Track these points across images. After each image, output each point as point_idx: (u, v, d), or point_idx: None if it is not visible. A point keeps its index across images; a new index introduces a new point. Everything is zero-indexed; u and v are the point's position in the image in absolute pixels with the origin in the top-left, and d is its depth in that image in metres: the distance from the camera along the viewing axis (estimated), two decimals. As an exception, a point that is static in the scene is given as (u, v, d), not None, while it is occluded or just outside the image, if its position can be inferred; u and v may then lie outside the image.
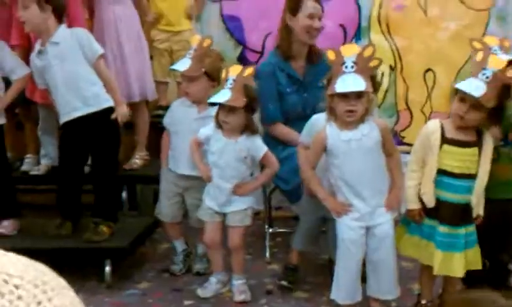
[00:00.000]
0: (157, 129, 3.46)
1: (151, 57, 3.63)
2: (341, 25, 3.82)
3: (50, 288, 0.49)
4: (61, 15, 2.88)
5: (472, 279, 2.62)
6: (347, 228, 2.43)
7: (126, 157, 3.53)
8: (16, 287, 0.46)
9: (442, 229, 2.36)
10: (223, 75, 2.67)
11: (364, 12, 3.80)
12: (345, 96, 2.30)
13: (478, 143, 2.38)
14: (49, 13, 2.81)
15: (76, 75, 2.87)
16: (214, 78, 2.87)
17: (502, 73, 2.28)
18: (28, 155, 3.51)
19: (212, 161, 2.75)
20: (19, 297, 0.46)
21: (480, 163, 2.37)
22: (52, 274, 0.51)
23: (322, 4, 3.09)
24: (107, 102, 2.91)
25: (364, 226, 2.44)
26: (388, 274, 2.48)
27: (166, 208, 3.02)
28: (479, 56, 2.36)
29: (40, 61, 2.90)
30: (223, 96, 2.59)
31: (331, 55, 2.34)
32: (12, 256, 0.51)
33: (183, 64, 2.85)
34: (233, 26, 3.84)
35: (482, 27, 3.78)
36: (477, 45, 2.66)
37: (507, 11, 3.79)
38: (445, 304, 2.37)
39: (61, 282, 0.51)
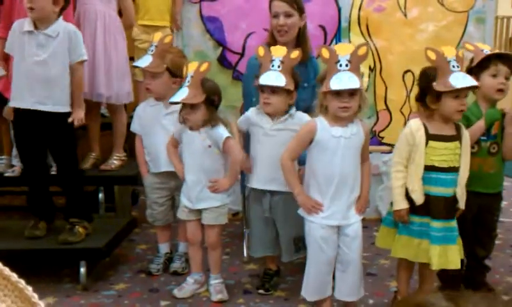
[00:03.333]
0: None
1: (132, 58, 3.60)
2: (321, 26, 3.83)
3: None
4: (64, 9, 2.85)
5: (448, 275, 2.63)
6: (318, 226, 2.41)
7: (103, 157, 3.49)
8: None
9: (436, 224, 2.36)
10: (184, 72, 2.65)
11: (344, 13, 3.82)
12: (338, 93, 2.30)
13: (458, 137, 2.42)
14: (59, 6, 2.78)
15: (56, 71, 2.80)
16: (176, 75, 2.86)
17: None
18: (2, 157, 3.45)
19: (183, 157, 2.75)
20: None
21: (462, 155, 2.41)
22: (6, 273, 0.49)
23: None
24: (68, 106, 2.85)
25: (336, 225, 2.42)
26: (356, 274, 2.46)
27: (159, 214, 3.03)
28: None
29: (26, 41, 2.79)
30: (181, 94, 2.59)
31: (325, 53, 2.34)
32: None
33: (145, 61, 2.87)
34: (213, 27, 3.83)
35: (461, 29, 3.81)
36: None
37: (485, 13, 3.82)
38: None
39: (14, 280, 0.49)
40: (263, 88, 2.59)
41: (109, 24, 3.33)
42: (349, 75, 2.27)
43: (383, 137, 3.80)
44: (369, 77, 3.79)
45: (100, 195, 3.49)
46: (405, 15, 3.82)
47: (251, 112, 2.71)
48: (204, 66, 2.61)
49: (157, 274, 3.03)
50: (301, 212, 2.47)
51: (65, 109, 2.84)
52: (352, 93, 2.30)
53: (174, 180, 2.92)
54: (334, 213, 2.40)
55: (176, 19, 3.81)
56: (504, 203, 3.23)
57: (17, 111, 2.88)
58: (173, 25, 3.82)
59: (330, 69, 2.32)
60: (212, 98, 2.64)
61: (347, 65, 2.28)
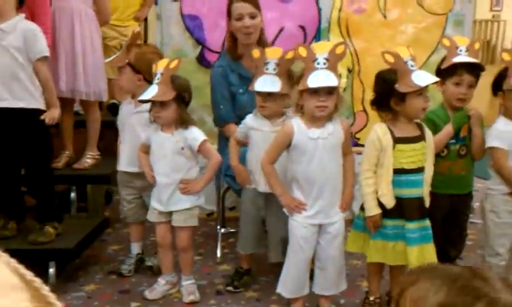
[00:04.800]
0: (109, 128, 3.39)
1: None
2: (301, 27, 3.81)
3: None
4: (21, 4, 2.79)
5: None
6: (301, 226, 2.40)
7: (77, 156, 3.44)
8: None
9: (412, 225, 2.36)
10: (153, 70, 2.60)
11: (324, 14, 3.80)
12: (315, 92, 2.27)
13: (423, 136, 2.42)
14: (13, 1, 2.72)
15: (14, 68, 2.74)
16: (139, 71, 2.80)
17: None
18: None
19: (152, 160, 2.69)
20: None
21: (426, 155, 2.41)
22: (6, 273, 0.48)
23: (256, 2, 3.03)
24: (38, 103, 2.79)
25: (317, 224, 2.40)
26: (336, 270, 2.46)
27: (128, 211, 2.99)
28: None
29: None
30: (151, 91, 2.54)
31: (302, 52, 2.32)
32: None
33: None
34: (192, 25, 3.79)
35: (440, 31, 3.80)
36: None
37: (464, 16, 3.82)
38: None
39: (10, 283, 0.48)
40: (259, 92, 2.57)
41: (86, 21, 3.28)
42: (327, 73, 2.25)
43: (359, 138, 3.78)
44: (347, 78, 3.77)
45: (72, 194, 3.44)
46: (385, 17, 3.81)
47: (249, 118, 2.69)
48: (174, 63, 2.57)
49: (128, 275, 2.98)
50: (285, 210, 2.46)
51: (30, 105, 2.76)
52: (329, 91, 2.28)
53: (139, 181, 2.87)
54: (317, 213, 2.40)
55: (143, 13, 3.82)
56: (475, 204, 3.22)
57: None
58: (139, 15, 3.84)
59: (307, 67, 2.30)
60: (182, 95, 2.60)
61: (324, 63, 2.27)
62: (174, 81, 2.56)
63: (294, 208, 2.41)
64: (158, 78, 2.55)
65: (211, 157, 2.66)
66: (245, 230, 2.81)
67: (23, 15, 2.79)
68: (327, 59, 2.27)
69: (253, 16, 2.94)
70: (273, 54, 2.56)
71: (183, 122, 2.61)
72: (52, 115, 2.81)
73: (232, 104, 3.05)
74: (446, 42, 2.64)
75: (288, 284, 2.47)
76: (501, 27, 7.20)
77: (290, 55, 2.52)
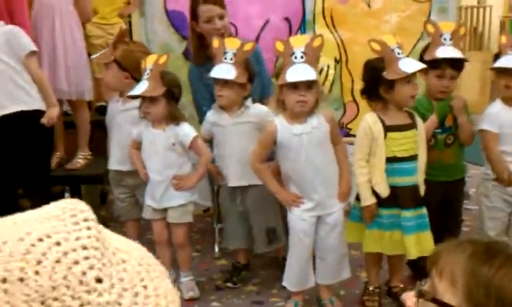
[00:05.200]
0: (100, 127, 3.37)
1: (89, 54, 3.54)
2: (286, 19, 3.82)
3: (152, 270, 0.50)
4: None
5: (418, 264, 2.66)
6: (299, 219, 2.43)
7: (68, 157, 3.42)
8: (123, 261, 0.49)
9: (407, 213, 2.39)
10: (142, 65, 2.60)
11: (308, 5, 3.80)
12: (295, 86, 2.29)
13: (414, 124, 2.45)
14: None
15: (4, 72, 2.74)
16: (126, 69, 2.78)
17: None
18: None
19: (143, 156, 2.69)
20: (125, 270, 0.48)
21: (419, 142, 2.45)
22: (156, 261, 0.54)
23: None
24: (38, 104, 2.79)
25: (315, 216, 2.43)
26: (337, 259, 2.49)
27: (121, 209, 3.00)
28: None
29: None
30: (141, 87, 2.54)
31: (279, 46, 2.33)
32: (122, 237, 0.54)
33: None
34: (177, 21, 3.77)
35: (424, 18, 3.83)
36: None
37: (448, 3, 3.87)
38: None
39: (162, 268, 0.53)
40: (216, 81, 2.58)
41: (66, 18, 3.26)
42: (305, 67, 2.27)
43: (350, 129, 3.81)
44: (335, 69, 3.79)
45: (66, 195, 3.42)
46: (369, 6, 3.84)
47: (209, 114, 2.70)
48: (163, 59, 2.56)
49: (126, 274, 2.98)
50: (285, 206, 2.49)
51: (30, 107, 2.77)
52: (309, 85, 2.30)
53: (132, 179, 2.86)
54: (314, 206, 2.42)
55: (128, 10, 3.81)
56: (471, 191, 3.28)
57: None
58: (123, 12, 3.82)
59: (285, 62, 2.32)
60: (172, 91, 2.59)
61: (302, 57, 2.28)
62: (164, 77, 2.56)
63: (291, 203, 2.43)
64: (147, 74, 2.54)
65: (202, 153, 2.67)
66: (227, 226, 2.85)
67: (1, 22, 2.78)
68: (304, 53, 2.29)
69: (221, 17, 2.91)
70: (232, 44, 2.58)
71: (174, 118, 2.61)
72: (50, 115, 2.80)
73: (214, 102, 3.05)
74: (430, 28, 2.65)
75: (292, 277, 2.49)
76: (487, 13, 7.19)
77: (248, 46, 2.54)
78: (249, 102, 2.65)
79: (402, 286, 2.58)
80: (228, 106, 2.62)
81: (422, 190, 2.46)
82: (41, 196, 2.92)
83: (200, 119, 3.13)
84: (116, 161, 2.89)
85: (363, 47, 3.85)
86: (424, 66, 2.42)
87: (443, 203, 2.64)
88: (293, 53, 2.29)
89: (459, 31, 2.64)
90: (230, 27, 3.09)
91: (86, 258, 0.45)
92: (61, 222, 0.47)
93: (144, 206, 2.76)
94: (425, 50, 2.67)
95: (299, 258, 2.46)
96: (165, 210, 2.69)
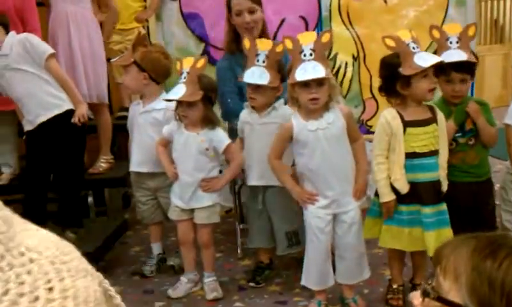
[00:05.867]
0: (122, 131, 3.41)
1: (108, 60, 3.59)
2: (302, 17, 3.81)
3: (66, 268, 0.46)
4: (6, 26, 2.87)
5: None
6: (315, 216, 2.43)
7: (91, 161, 3.46)
8: (31, 261, 0.44)
9: (428, 210, 2.37)
10: (177, 68, 2.63)
11: (324, 2, 3.80)
12: (306, 84, 2.29)
13: (435, 119, 2.42)
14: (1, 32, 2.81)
15: (30, 82, 2.82)
16: (144, 69, 2.82)
17: None
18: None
19: (175, 157, 2.72)
20: (29, 272, 0.43)
21: (439, 137, 2.42)
22: (77, 256, 0.49)
23: None
24: (67, 104, 2.85)
25: (331, 213, 2.43)
26: (356, 258, 2.49)
27: (144, 212, 3.02)
28: None
29: None
30: (178, 92, 2.56)
31: (288, 44, 2.34)
32: (44, 232, 0.49)
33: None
34: (194, 23, 3.80)
35: (442, 13, 3.81)
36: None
37: (467, -5, 3.82)
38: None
39: (82, 266, 0.48)
40: (248, 84, 2.59)
41: (82, 24, 3.30)
42: (314, 65, 2.27)
43: (370, 126, 3.79)
44: (353, 65, 3.78)
45: (90, 199, 3.47)
46: (385, 2, 3.82)
47: (243, 112, 2.72)
48: (201, 63, 2.59)
49: (150, 276, 3.02)
50: (300, 203, 2.49)
51: (62, 109, 2.85)
52: (320, 82, 2.30)
53: (153, 181, 2.90)
54: (329, 203, 2.42)
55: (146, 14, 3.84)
56: (496, 186, 3.24)
57: (27, 134, 2.92)
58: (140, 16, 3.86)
59: (295, 60, 2.33)
60: (209, 95, 2.62)
61: (311, 54, 2.29)
62: (201, 80, 2.58)
63: (306, 200, 2.43)
64: (185, 78, 2.56)
65: (235, 158, 2.71)
66: (250, 225, 2.87)
67: (12, 32, 2.86)
68: (313, 50, 2.29)
69: (252, 11, 2.95)
70: (264, 45, 2.58)
71: (209, 122, 2.64)
72: (79, 113, 2.86)
73: (241, 98, 3.07)
74: (435, 34, 2.62)
75: (311, 276, 2.50)
76: (507, 4, 7.02)
77: (280, 47, 2.53)
78: (279, 102, 2.65)
79: (426, 283, 2.56)
80: (260, 108, 2.62)
81: (445, 186, 2.44)
82: (71, 198, 2.98)
83: (223, 113, 3.13)
84: (137, 163, 2.92)
85: (380, 43, 3.81)
86: (440, 59, 2.39)
87: (473, 210, 2.56)
88: (302, 50, 2.29)
89: (467, 31, 2.59)
90: (265, 23, 3.09)
91: None
92: None
93: (170, 206, 2.78)
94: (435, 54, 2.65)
95: (316, 256, 2.46)
96: (192, 210, 2.72)
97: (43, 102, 2.83)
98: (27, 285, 0.42)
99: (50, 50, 2.87)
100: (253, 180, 2.72)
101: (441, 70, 2.49)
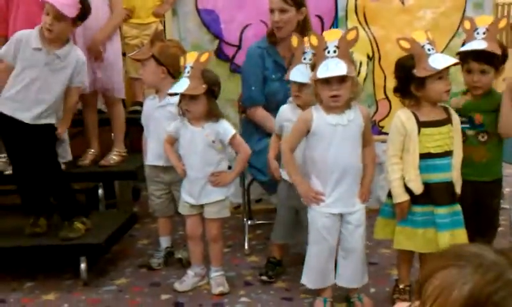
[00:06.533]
0: (135, 125, 3.43)
1: (124, 54, 3.61)
2: (318, 16, 3.80)
3: None
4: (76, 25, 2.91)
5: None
6: (321, 215, 2.41)
7: (103, 153, 3.48)
8: None
9: (442, 211, 2.34)
10: (181, 62, 2.63)
11: (341, 2, 3.78)
12: (328, 81, 2.28)
13: (449, 120, 2.40)
14: (74, 29, 2.94)
15: (60, 90, 2.85)
16: (163, 63, 2.83)
17: None
18: (2, 155, 3.44)
19: (182, 153, 2.71)
20: None
21: (454, 138, 2.40)
22: None
23: None
24: (53, 119, 2.91)
25: (338, 213, 2.41)
26: (358, 262, 2.46)
27: (157, 205, 3.03)
28: None
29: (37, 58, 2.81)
30: (182, 85, 2.56)
31: (313, 40, 2.33)
32: None
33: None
34: (209, 19, 3.80)
35: (459, 15, 3.77)
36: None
37: (484, -2, 3.79)
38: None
39: None
40: (294, 81, 2.59)
41: (103, 18, 3.32)
42: (337, 62, 2.26)
43: (383, 127, 3.77)
44: (367, 65, 3.76)
45: (100, 191, 3.48)
46: (402, 3, 3.79)
47: (284, 109, 2.70)
48: (204, 57, 2.59)
49: (158, 268, 3.03)
50: (303, 200, 2.46)
51: (53, 121, 2.90)
52: (342, 79, 2.28)
53: (168, 175, 2.91)
54: (336, 202, 2.40)
55: (163, 9, 3.85)
56: (506, 190, 3.19)
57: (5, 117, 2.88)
58: (158, 10, 3.86)
59: (319, 56, 2.32)
60: (212, 89, 2.62)
61: (335, 51, 2.27)
62: (204, 75, 2.58)
63: (311, 199, 2.41)
64: (188, 72, 2.57)
65: (242, 150, 2.69)
66: (280, 220, 2.84)
67: (76, 47, 2.92)
68: (337, 47, 2.27)
69: (283, 11, 2.97)
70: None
71: (213, 115, 2.63)
72: (63, 130, 2.98)
73: (262, 88, 3.08)
74: (467, 25, 2.59)
75: (311, 275, 2.48)
76: (525, 10, 6.95)
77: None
78: None
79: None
80: (305, 106, 2.61)
81: (458, 187, 2.41)
82: (59, 194, 2.99)
83: (243, 98, 3.15)
84: (154, 156, 2.92)
85: (395, 44, 3.80)
86: (455, 61, 2.36)
87: (475, 207, 2.54)
88: (326, 47, 2.28)
89: (498, 23, 2.53)
90: (308, 22, 3.09)
91: None
92: None
93: (180, 201, 2.79)
94: (462, 46, 2.62)
95: (321, 256, 2.44)
96: (201, 205, 2.72)
97: (54, 108, 2.86)
98: None
99: (85, 85, 3.00)
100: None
101: (462, 60, 2.48)
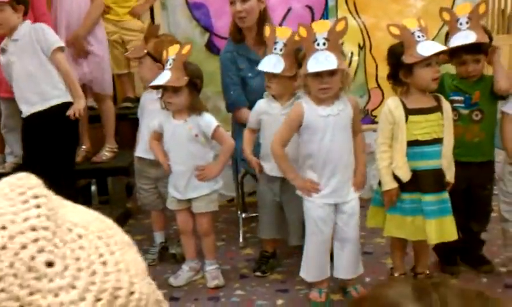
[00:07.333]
0: (126, 121, 3.41)
1: None
2: (308, 6, 3.78)
3: (113, 242, 0.47)
4: (27, 12, 2.87)
5: (444, 250, 2.61)
6: (316, 206, 2.41)
7: (94, 150, 3.46)
8: (80, 236, 0.45)
9: (429, 198, 2.35)
10: (164, 56, 2.61)
11: (331, -8, 3.76)
12: (318, 74, 2.27)
13: (439, 108, 2.39)
14: (21, 13, 2.81)
15: (33, 70, 2.82)
16: (158, 59, 2.81)
17: None
18: (11, 157, 3.43)
19: (166, 148, 2.70)
20: (81, 247, 0.44)
21: (444, 126, 2.40)
22: (118, 229, 0.50)
23: None
24: (66, 97, 2.85)
25: (333, 203, 2.41)
26: (353, 252, 2.47)
27: (145, 199, 3.02)
28: None
29: (3, 58, 2.88)
30: (163, 77, 2.54)
31: (302, 32, 2.32)
32: (81, 208, 0.51)
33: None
34: (199, 13, 3.78)
35: (450, 3, 3.76)
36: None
37: (474, -15, 3.77)
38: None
39: (125, 238, 0.50)
40: (265, 72, 2.58)
41: (81, 15, 3.30)
42: (326, 55, 2.25)
43: (375, 116, 3.76)
44: (359, 55, 3.75)
45: (93, 187, 3.47)
46: (393, -9, 3.78)
47: (260, 103, 2.69)
48: (186, 49, 2.57)
49: (152, 264, 3.02)
50: (299, 193, 2.46)
51: (60, 100, 2.84)
52: (332, 72, 2.28)
53: (154, 170, 2.89)
54: (331, 192, 2.40)
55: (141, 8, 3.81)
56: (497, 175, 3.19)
57: (24, 121, 2.92)
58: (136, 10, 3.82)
59: (308, 49, 2.30)
60: (194, 82, 2.60)
61: (324, 44, 2.26)
62: (186, 67, 2.57)
63: (309, 190, 2.41)
64: (170, 64, 2.55)
65: (225, 141, 2.68)
66: (263, 216, 2.83)
67: (28, 21, 2.87)
68: (327, 39, 2.26)
69: (244, 0, 2.92)
70: (282, 33, 2.54)
71: (195, 108, 2.61)
72: (77, 107, 2.85)
73: (243, 89, 3.05)
74: (445, 16, 2.59)
75: (310, 268, 2.48)
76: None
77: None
78: (301, 92, 2.62)
79: (427, 272, 2.54)
80: (278, 96, 2.60)
81: (448, 175, 2.40)
82: (67, 190, 2.97)
83: (226, 104, 3.12)
84: (142, 149, 2.91)
85: (387, 32, 3.78)
86: (443, 48, 2.36)
87: (469, 190, 2.56)
88: (315, 39, 2.27)
89: (478, 10, 2.52)
90: (267, 11, 3.06)
91: (35, 240, 0.42)
92: (9, 202, 0.44)
93: (168, 197, 2.78)
94: (446, 38, 2.61)
95: (317, 248, 2.44)
96: (189, 200, 2.70)
97: (40, 91, 2.83)
98: (82, 260, 0.43)
99: (60, 44, 2.87)
100: (273, 171, 2.67)
101: (453, 53, 2.49)
